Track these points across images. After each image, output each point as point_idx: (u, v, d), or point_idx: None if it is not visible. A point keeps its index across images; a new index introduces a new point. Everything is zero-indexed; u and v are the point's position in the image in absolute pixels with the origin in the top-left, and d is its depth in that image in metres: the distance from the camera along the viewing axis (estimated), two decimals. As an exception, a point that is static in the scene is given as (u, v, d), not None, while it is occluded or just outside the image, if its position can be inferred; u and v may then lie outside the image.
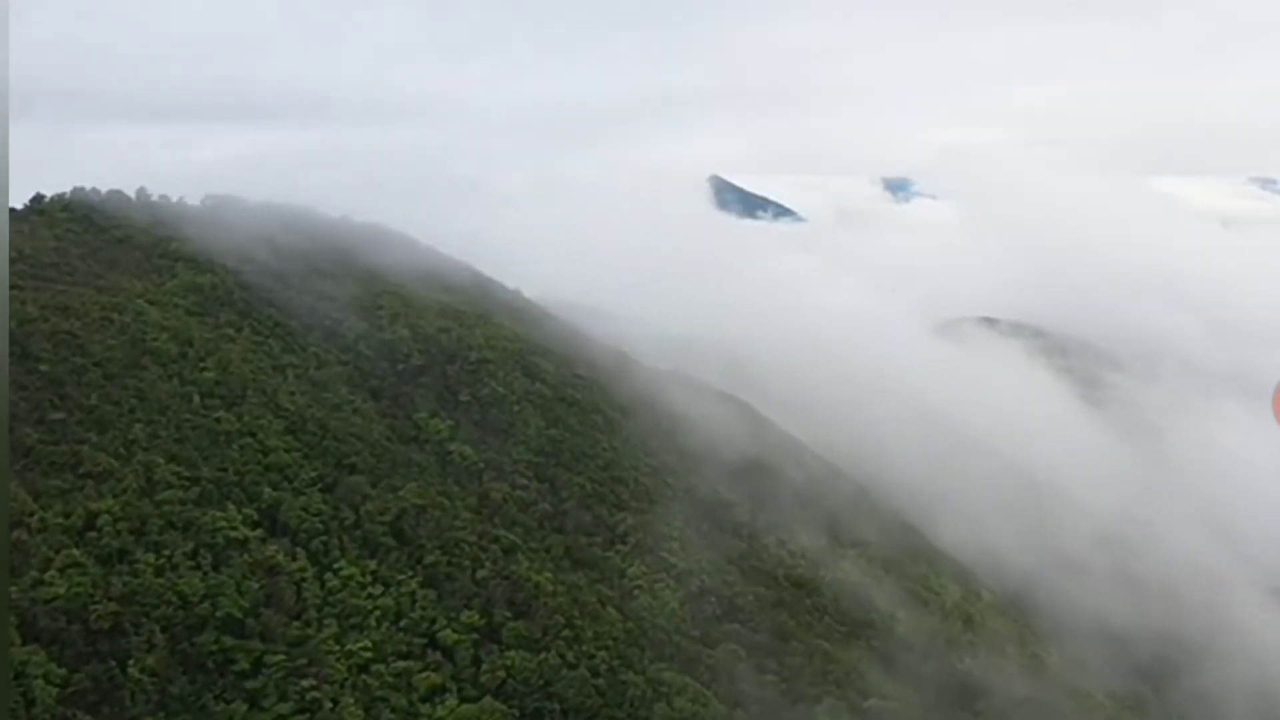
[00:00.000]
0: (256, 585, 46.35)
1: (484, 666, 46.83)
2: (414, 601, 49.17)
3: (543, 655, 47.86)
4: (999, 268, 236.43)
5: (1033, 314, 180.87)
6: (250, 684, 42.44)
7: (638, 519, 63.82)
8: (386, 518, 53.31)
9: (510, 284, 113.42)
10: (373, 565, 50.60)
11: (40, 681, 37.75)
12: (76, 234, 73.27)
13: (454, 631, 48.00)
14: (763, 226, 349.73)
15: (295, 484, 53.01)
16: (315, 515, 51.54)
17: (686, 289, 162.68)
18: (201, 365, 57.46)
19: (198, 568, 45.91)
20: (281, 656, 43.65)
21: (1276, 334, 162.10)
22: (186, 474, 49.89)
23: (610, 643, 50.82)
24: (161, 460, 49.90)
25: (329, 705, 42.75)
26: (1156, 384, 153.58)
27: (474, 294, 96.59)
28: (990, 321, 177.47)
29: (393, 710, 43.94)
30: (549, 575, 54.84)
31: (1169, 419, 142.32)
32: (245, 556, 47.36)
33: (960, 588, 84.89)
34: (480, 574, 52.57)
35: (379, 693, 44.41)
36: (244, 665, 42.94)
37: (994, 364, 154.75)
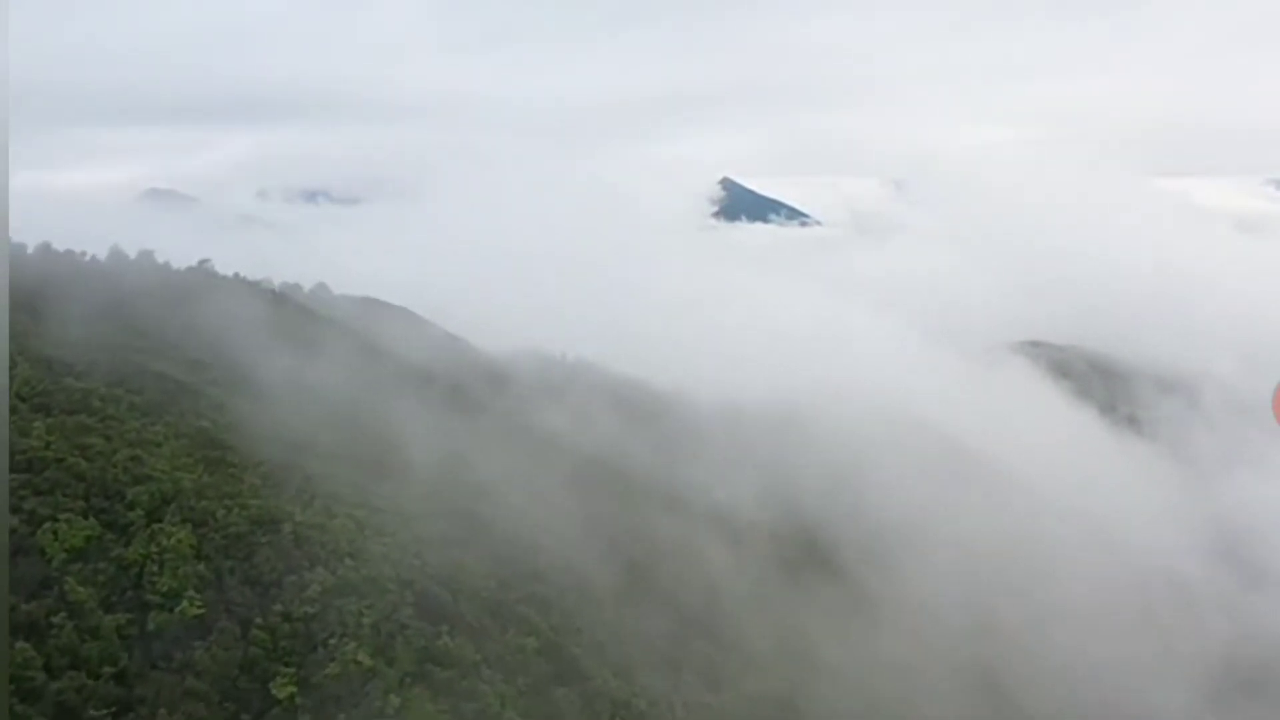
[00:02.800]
0: None
1: None
2: None
3: None
4: (1013, 274, 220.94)
5: (1058, 331, 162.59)
6: None
7: None
8: None
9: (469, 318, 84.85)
10: None
11: None
12: None
13: None
14: (772, 230, 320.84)
15: None
16: None
17: (693, 325, 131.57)
18: None
19: None
20: None
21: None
22: None
23: None
24: None
25: None
26: (1198, 411, 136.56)
27: (365, 380, 60.54)
28: (1031, 345, 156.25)
29: None
30: None
31: (1219, 455, 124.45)
32: None
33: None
34: None
35: None
36: None
37: (1034, 398, 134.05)
